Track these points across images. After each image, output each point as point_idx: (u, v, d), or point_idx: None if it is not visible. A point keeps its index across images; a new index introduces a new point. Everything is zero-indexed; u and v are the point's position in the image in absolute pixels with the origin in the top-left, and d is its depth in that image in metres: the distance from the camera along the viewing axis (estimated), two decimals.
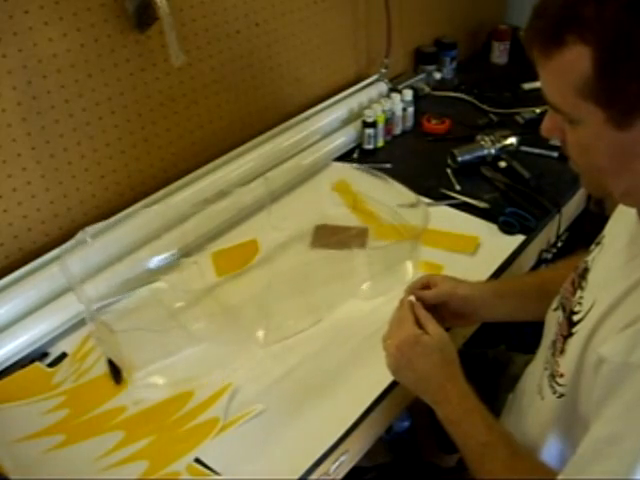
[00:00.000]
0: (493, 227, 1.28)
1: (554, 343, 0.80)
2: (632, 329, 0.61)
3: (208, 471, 0.86)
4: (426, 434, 1.13)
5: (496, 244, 1.24)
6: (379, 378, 0.97)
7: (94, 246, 1.15)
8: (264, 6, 1.40)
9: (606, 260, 0.76)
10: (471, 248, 1.23)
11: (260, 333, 1.04)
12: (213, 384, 0.98)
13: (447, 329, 1.00)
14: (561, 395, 0.74)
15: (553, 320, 0.84)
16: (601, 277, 0.75)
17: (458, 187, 1.42)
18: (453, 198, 1.38)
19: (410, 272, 1.17)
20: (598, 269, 0.77)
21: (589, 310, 0.72)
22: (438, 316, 0.94)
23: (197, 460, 0.88)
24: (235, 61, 1.39)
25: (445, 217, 1.31)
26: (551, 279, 0.95)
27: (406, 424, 1.23)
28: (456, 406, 0.81)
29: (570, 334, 0.74)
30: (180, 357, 1.00)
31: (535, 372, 0.86)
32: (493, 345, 1.27)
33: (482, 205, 1.34)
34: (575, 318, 0.74)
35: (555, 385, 0.75)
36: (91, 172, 1.21)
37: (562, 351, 0.75)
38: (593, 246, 0.82)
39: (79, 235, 1.13)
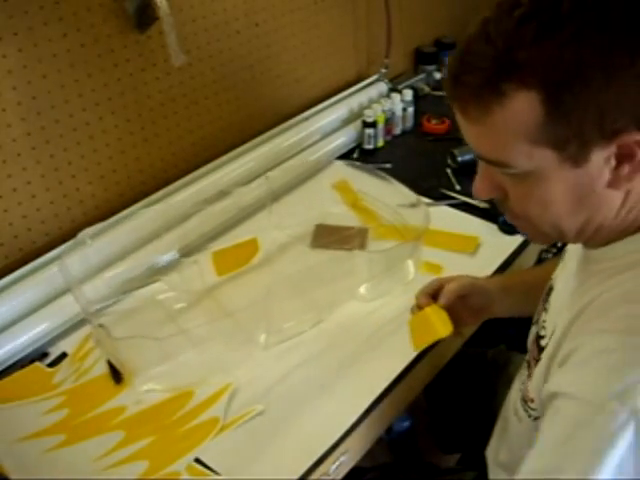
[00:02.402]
0: (493, 227, 1.28)
1: (528, 364, 0.79)
2: (568, 363, 0.60)
3: (208, 471, 0.86)
4: (425, 434, 1.14)
5: (496, 244, 1.23)
6: (379, 378, 0.97)
7: (94, 247, 1.15)
8: (264, 6, 1.40)
9: (562, 283, 0.75)
10: (471, 248, 1.23)
11: (261, 336, 1.04)
12: (213, 384, 0.98)
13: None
14: (536, 418, 0.73)
15: (532, 335, 0.83)
16: (557, 303, 0.74)
17: (458, 187, 1.42)
18: (453, 198, 1.38)
19: (411, 273, 1.17)
20: (556, 292, 0.76)
21: (551, 336, 0.70)
22: (456, 316, 0.91)
23: (197, 460, 0.88)
24: (235, 61, 1.39)
25: (445, 217, 1.31)
26: (553, 272, 0.94)
27: (406, 424, 1.23)
28: None
29: (539, 359, 0.73)
30: (180, 361, 1.00)
31: (512, 391, 0.85)
32: (493, 345, 1.27)
33: (482, 205, 1.34)
34: (542, 343, 0.73)
35: (528, 409, 0.75)
36: (91, 172, 1.21)
37: (530, 376, 0.74)
38: (559, 260, 0.81)
39: (79, 236, 1.13)
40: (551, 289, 0.78)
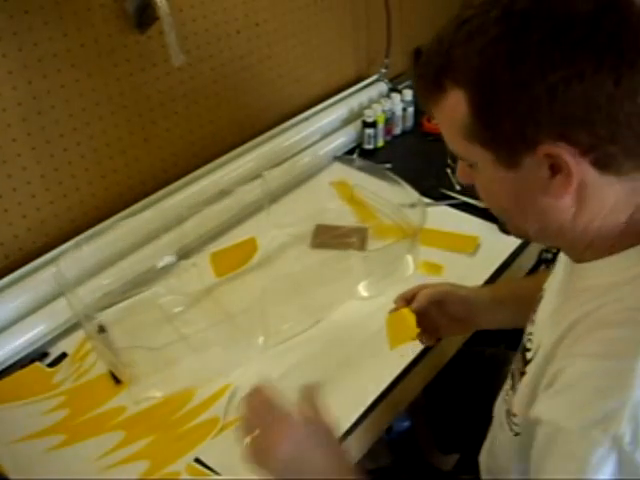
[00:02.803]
0: (493, 227, 1.28)
1: (512, 374, 0.78)
2: (553, 388, 0.60)
3: (208, 471, 0.86)
4: (425, 434, 1.13)
5: (496, 244, 1.23)
6: (379, 378, 0.97)
7: (91, 249, 1.15)
8: (264, 6, 1.40)
9: (548, 298, 0.74)
10: (471, 248, 1.23)
11: (260, 338, 1.03)
12: (213, 385, 0.98)
13: (438, 340, 0.99)
14: (517, 434, 0.73)
15: (521, 345, 0.82)
16: (542, 317, 0.73)
17: (458, 187, 1.42)
18: (453, 198, 1.38)
19: (410, 271, 1.17)
20: (542, 306, 0.75)
21: (536, 352, 0.70)
22: (431, 324, 0.91)
23: (197, 460, 0.88)
24: (235, 61, 1.39)
25: (445, 217, 1.31)
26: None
27: (406, 424, 1.23)
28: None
29: (524, 372, 0.72)
30: (179, 367, 0.99)
31: (498, 401, 0.85)
32: (493, 344, 1.27)
33: (482, 205, 1.33)
34: (528, 356, 0.73)
35: (511, 423, 0.74)
36: (91, 172, 1.21)
37: (514, 388, 0.74)
38: (551, 268, 0.80)
39: (77, 239, 1.13)
40: (541, 299, 0.77)
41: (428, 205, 1.33)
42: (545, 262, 1.36)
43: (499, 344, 1.28)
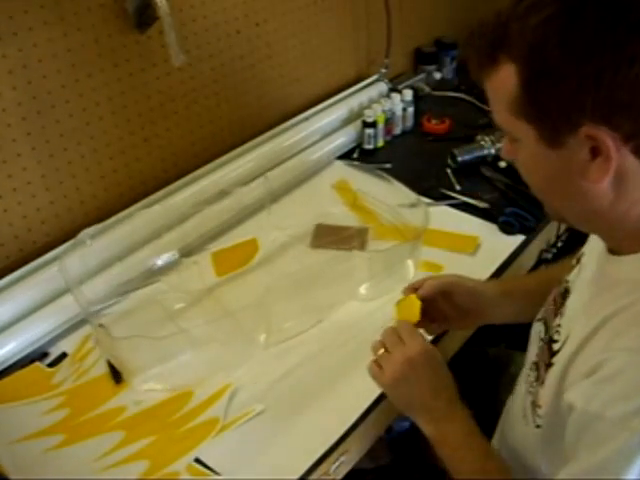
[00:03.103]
0: (493, 227, 1.28)
1: (536, 366, 0.78)
2: (593, 378, 0.61)
3: (208, 471, 0.86)
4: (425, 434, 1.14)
5: (496, 244, 1.23)
6: None
7: (94, 247, 1.15)
8: (264, 6, 1.40)
9: (580, 290, 0.75)
10: (471, 248, 1.23)
11: (261, 336, 1.04)
12: (213, 384, 0.98)
13: (445, 331, 1.00)
14: (538, 426, 0.73)
15: (536, 334, 0.83)
16: (574, 309, 0.74)
17: (458, 187, 1.42)
18: (453, 198, 1.38)
19: (411, 272, 1.17)
20: (573, 297, 0.75)
21: (564, 343, 0.70)
22: (439, 314, 0.92)
23: (197, 460, 0.88)
24: (235, 61, 1.39)
25: (445, 217, 1.31)
26: (558, 277, 0.92)
27: (406, 424, 1.23)
28: (458, 429, 0.79)
29: (550, 364, 0.73)
30: (180, 361, 1.00)
31: (520, 393, 0.85)
32: (493, 343, 1.27)
33: (482, 205, 1.34)
34: (555, 347, 0.73)
35: (535, 415, 0.74)
36: (91, 172, 1.21)
37: (542, 382, 0.74)
38: (574, 262, 0.81)
39: (79, 236, 1.13)
40: (567, 292, 0.77)
41: (428, 205, 1.33)
42: (545, 262, 1.37)
43: (499, 343, 1.28)
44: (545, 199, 0.68)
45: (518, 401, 0.85)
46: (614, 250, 0.67)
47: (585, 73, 0.54)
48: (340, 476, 0.93)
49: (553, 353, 0.73)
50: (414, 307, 0.89)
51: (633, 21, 0.53)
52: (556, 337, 0.74)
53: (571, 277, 0.79)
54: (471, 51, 0.64)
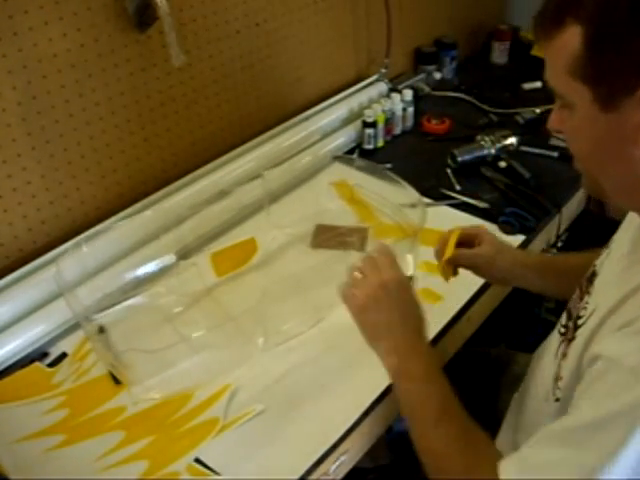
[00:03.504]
0: (493, 227, 1.28)
1: (559, 346, 0.79)
2: (627, 329, 0.61)
3: (208, 471, 0.86)
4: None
5: None
6: (379, 378, 0.96)
7: (91, 249, 1.15)
8: (264, 6, 1.41)
9: (610, 266, 0.76)
10: None
11: (260, 340, 1.03)
12: (213, 384, 0.98)
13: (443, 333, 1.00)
14: (557, 399, 0.74)
15: (559, 323, 0.84)
16: (604, 283, 0.75)
17: (458, 187, 1.42)
18: (453, 198, 1.38)
19: (410, 270, 1.17)
20: (603, 274, 0.77)
21: (591, 314, 0.72)
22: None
23: (197, 460, 0.88)
24: (235, 61, 1.39)
25: (445, 217, 1.31)
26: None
27: (406, 424, 1.23)
28: (421, 363, 0.78)
29: (574, 338, 0.74)
30: (179, 369, 1.00)
31: (543, 377, 0.85)
32: (493, 344, 1.27)
33: (482, 205, 1.34)
34: (579, 322, 0.74)
35: (556, 389, 0.75)
36: (91, 172, 1.21)
37: (565, 355, 0.75)
38: (604, 249, 0.82)
39: (77, 239, 1.13)
40: (594, 275, 0.79)
41: (428, 205, 1.34)
42: None
43: (499, 344, 1.28)
44: (588, 168, 0.69)
45: (535, 387, 0.86)
46: None
47: None
48: (340, 476, 0.93)
49: (577, 327, 0.74)
50: (450, 244, 0.98)
51: None
52: (582, 313, 0.75)
53: (599, 261, 0.80)
54: (537, 14, 0.65)
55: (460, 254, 0.99)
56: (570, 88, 0.63)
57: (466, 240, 1.01)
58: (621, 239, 0.77)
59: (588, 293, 0.77)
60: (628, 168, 0.63)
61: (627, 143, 0.61)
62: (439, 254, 1.01)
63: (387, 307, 0.80)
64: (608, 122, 0.62)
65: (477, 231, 1.02)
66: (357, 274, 0.83)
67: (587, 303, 0.76)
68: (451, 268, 1.01)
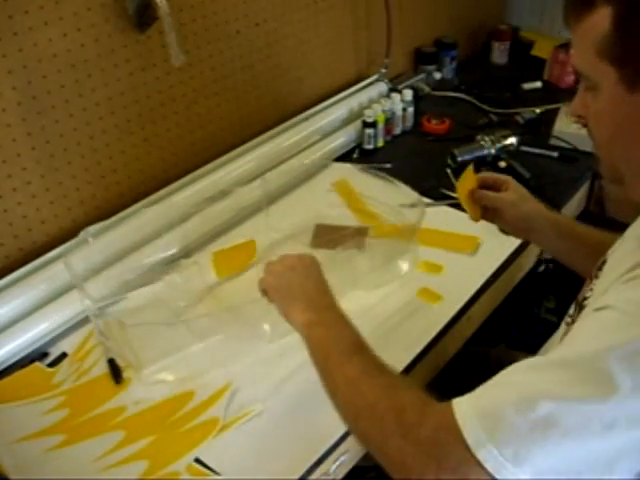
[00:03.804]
0: (493, 227, 1.27)
1: (565, 333, 0.79)
2: (624, 277, 0.62)
3: (208, 471, 0.86)
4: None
5: (496, 244, 1.23)
6: None
7: (95, 246, 1.15)
8: (264, 6, 1.41)
9: (618, 251, 0.76)
10: (471, 248, 1.23)
11: (266, 327, 1.04)
12: (213, 384, 0.98)
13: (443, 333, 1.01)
14: None
15: (567, 315, 0.84)
16: (610, 267, 0.75)
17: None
18: (453, 198, 1.38)
19: (410, 270, 1.17)
20: (610, 262, 0.77)
21: (595, 292, 0.72)
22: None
23: (197, 460, 0.88)
24: (235, 61, 1.39)
25: (445, 217, 1.31)
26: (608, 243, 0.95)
27: None
28: (337, 314, 0.81)
29: (576, 319, 0.74)
30: (188, 353, 1.00)
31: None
32: (493, 344, 1.27)
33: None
34: (585, 304, 0.75)
35: None
36: (91, 172, 1.21)
37: (566, 333, 0.75)
38: (618, 239, 0.82)
39: (81, 234, 1.13)
40: (604, 263, 0.79)
41: (428, 205, 1.33)
42: (545, 262, 1.37)
43: (499, 343, 1.28)
44: (609, 153, 0.70)
45: None
46: None
47: None
48: (340, 476, 0.93)
49: (582, 309, 0.74)
50: (471, 177, 1.02)
51: None
52: (588, 294, 0.76)
53: (611, 250, 0.80)
54: (568, 1, 0.66)
55: (484, 194, 1.02)
56: (597, 69, 0.64)
57: (492, 184, 1.03)
58: (633, 230, 0.77)
59: (596, 278, 0.78)
60: None
61: None
62: (459, 190, 1.04)
63: (301, 273, 0.86)
64: (633, 103, 0.63)
65: (505, 178, 1.04)
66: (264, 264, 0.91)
67: (594, 285, 0.76)
68: (478, 208, 1.04)
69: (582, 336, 0.62)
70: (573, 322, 0.78)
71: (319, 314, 0.81)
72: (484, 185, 1.04)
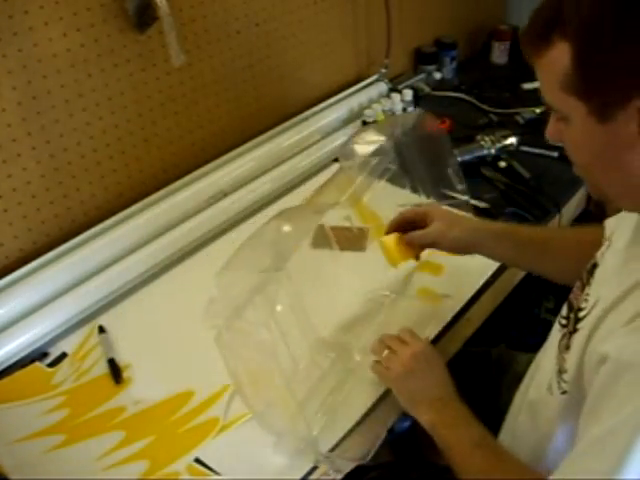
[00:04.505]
0: None
1: (562, 339, 0.80)
2: (631, 326, 0.62)
3: (208, 471, 0.86)
4: (425, 434, 1.14)
5: None
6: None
7: (92, 248, 1.15)
8: (264, 6, 1.40)
9: (611, 258, 0.76)
10: None
11: (357, 357, 1.03)
12: (213, 384, 0.98)
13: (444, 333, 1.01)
14: (564, 392, 0.75)
15: (560, 317, 0.84)
16: (605, 274, 0.75)
17: (458, 187, 1.42)
18: (453, 198, 1.38)
19: (410, 270, 1.17)
20: (603, 267, 0.77)
21: (593, 307, 0.72)
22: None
23: (197, 460, 0.88)
24: (235, 61, 1.39)
25: None
26: (556, 239, 1.00)
27: (406, 424, 1.23)
28: (456, 410, 0.86)
29: (575, 330, 0.74)
30: (179, 364, 1.00)
31: (546, 368, 0.86)
32: (493, 344, 1.27)
33: (482, 205, 1.34)
34: (580, 314, 0.75)
35: (561, 382, 0.76)
36: (91, 172, 1.21)
37: (568, 347, 0.76)
38: (604, 241, 0.82)
39: (79, 238, 1.13)
40: (595, 266, 0.79)
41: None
42: None
43: (499, 343, 1.28)
44: (590, 176, 0.70)
45: (538, 380, 0.87)
46: None
47: (636, 48, 0.57)
48: (340, 476, 0.93)
49: (579, 320, 0.74)
50: (392, 252, 1.01)
51: None
52: (583, 305, 0.76)
53: (600, 252, 0.80)
54: (524, 33, 0.66)
55: (412, 237, 1.02)
56: (565, 103, 0.64)
57: (415, 219, 1.03)
58: (621, 228, 0.77)
59: (589, 284, 0.78)
60: (628, 175, 0.64)
61: (625, 151, 0.62)
62: (389, 253, 1.03)
63: (421, 375, 0.90)
64: (605, 133, 0.62)
65: (426, 209, 1.04)
66: (385, 352, 0.94)
67: (588, 295, 0.76)
68: (411, 250, 1.03)
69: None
70: (568, 326, 0.78)
71: (439, 415, 0.86)
72: (407, 222, 1.04)
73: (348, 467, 0.90)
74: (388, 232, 1.04)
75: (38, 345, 1.07)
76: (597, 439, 0.62)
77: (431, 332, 1.05)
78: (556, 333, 0.83)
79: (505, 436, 0.94)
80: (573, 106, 0.63)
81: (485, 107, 1.77)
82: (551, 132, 0.71)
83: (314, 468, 0.86)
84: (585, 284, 0.79)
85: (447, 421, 0.85)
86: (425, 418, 0.87)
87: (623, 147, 0.62)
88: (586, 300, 0.75)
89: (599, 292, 0.73)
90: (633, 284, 0.65)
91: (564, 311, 0.82)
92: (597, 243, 0.82)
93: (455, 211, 1.05)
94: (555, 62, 0.62)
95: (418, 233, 1.02)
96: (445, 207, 1.04)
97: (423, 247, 1.05)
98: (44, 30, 1.04)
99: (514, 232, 1.03)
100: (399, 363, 0.91)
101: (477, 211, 1.33)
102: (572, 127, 0.66)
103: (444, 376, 0.91)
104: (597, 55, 0.59)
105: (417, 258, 1.05)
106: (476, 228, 1.02)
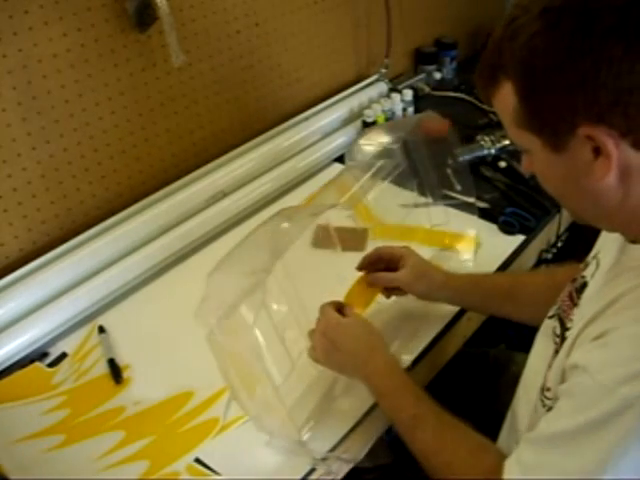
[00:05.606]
0: (493, 227, 1.28)
1: (552, 359, 0.79)
2: (598, 341, 0.63)
3: (208, 471, 0.86)
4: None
5: (496, 244, 1.23)
6: None
7: (92, 248, 1.15)
8: (264, 6, 1.41)
9: (596, 280, 0.76)
10: (471, 248, 1.23)
11: None
12: (213, 384, 0.98)
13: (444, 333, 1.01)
14: (550, 408, 0.74)
15: (549, 329, 0.83)
16: (588, 297, 0.75)
17: (458, 187, 1.42)
18: (453, 198, 1.38)
19: None
20: (590, 289, 0.77)
21: (576, 325, 0.72)
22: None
23: (197, 460, 0.88)
24: (235, 61, 1.39)
25: (445, 217, 1.31)
26: (524, 284, 1.01)
27: None
28: (386, 379, 0.85)
29: (558, 350, 0.74)
30: (179, 365, 1.00)
31: (528, 385, 0.86)
32: (493, 344, 1.27)
33: (482, 205, 1.34)
34: (566, 335, 0.75)
35: (544, 399, 0.75)
36: (91, 172, 1.21)
37: (550, 366, 0.76)
38: (590, 259, 0.82)
39: (79, 238, 1.12)
40: (584, 286, 0.79)
41: (428, 205, 1.33)
42: (545, 262, 1.36)
43: (499, 344, 1.28)
44: (563, 203, 0.73)
45: (530, 393, 0.85)
46: (635, 241, 0.69)
47: (570, 78, 0.58)
48: (340, 476, 0.93)
49: (564, 340, 0.74)
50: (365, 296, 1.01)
51: (607, 25, 0.56)
52: (569, 325, 0.76)
53: (588, 272, 0.80)
54: (476, 76, 0.69)
55: (377, 278, 1.02)
56: (522, 138, 0.66)
57: (392, 259, 1.03)
58: (606, 253, 0.77)
59: (576, 305, 0.78)
60: (594, 200, 0.65)
61: (586, 178, 0.63)
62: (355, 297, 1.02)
63: (341, 343, 0.88)
64: (563, 162, 0.64)
65: (402, 252, 1.03)
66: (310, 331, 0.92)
67: (574, 315, 0.76)
68: (373, 291, 1.03)
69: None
70: (557, 345, 0.78)
71: (376, 385, 0.86)
72: (381, 260, 1.03)
73: (343, 470, 0.90)
74: (360, 267, 1.03)
75: (38, 345, 1.07)
76: (560, 435, 0.64)
77: (431, 332, 1.05)
78: (544, 349, 0.82)
79: (503, 438, 0.93)
80: (529, 140, 0.65)
81: (485, 107, 1.77)
82: (525, 166, 0.73)
83: (314, 468, 0.86)
84: (575, 304, 0.79)
85: (381, 389, 0.85)
86: (367, 384, 0.86)
87: (582, 175, 0.63)
88: (571, 320, 0.76)
89: (582, 313, 0.73)
90: (608, 302, 0.66)
91: (558, 329, 0.82)
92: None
93: (426, 260, 1.06)
94: (505, 100, 0.65)
95: (385, 277, 1.02)
96: (419, 256, 1.03)
97: (388, 289, 1.04)
98: (44, 30, 1.04)
99: (480, 283, 1.04)
100: (317, 340, 0.90)
101: (477, 211, 1.33)
102: (535, 160, 0.68)
103: (364, 334, 0.89)
104: (536, 91, 0.61)
105: (387, 297, 1.05)
106: (442, 285, 1.02)
